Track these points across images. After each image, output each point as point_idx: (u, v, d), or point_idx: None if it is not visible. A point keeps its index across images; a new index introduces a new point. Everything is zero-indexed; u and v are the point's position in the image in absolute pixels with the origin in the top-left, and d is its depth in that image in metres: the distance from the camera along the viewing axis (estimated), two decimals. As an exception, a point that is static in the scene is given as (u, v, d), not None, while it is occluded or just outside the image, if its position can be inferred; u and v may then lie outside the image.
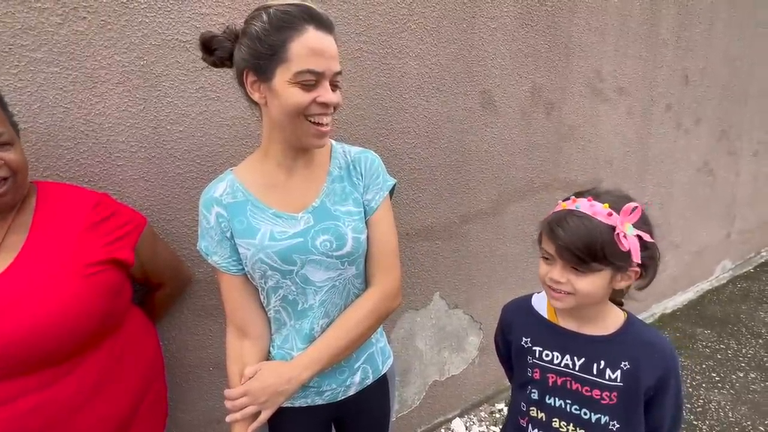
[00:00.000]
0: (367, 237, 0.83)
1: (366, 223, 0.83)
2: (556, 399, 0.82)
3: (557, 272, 0.75)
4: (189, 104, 1.09)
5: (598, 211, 0.73)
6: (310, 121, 0.72)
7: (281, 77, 0.69)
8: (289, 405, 0.84)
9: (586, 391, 0.79)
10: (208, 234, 0.80)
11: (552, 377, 0.82)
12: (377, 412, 0.94)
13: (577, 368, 0.80)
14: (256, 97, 0.73)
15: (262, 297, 0.82)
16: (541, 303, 0.89)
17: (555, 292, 0.77)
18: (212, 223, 0.78)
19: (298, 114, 0.71)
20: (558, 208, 0.80)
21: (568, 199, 0.80)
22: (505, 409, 1.95)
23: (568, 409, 0.81)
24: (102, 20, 0.96)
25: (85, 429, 0.75)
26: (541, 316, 0.87)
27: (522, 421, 0.87)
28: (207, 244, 0.81)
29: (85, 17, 0.95)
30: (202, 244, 0.82)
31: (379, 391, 0.92)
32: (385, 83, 1.39)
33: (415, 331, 1.69)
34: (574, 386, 0.80)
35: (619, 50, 2.01)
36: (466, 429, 1.84)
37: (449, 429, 1.84)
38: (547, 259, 0.78)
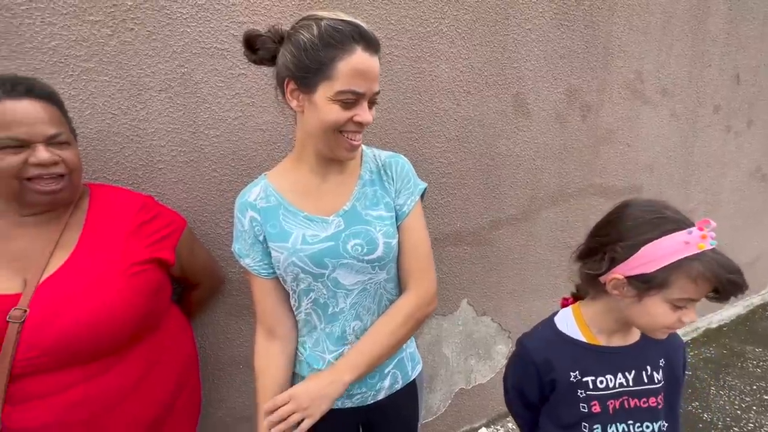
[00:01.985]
0: (399, 242, 0.82)
1: (398, 227, 0.83)
2: (618, 425, 0.76)
3: (695, 313, 0.69)
4: (225, 109, 1.13)
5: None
6: (344, 136, 0.73)
7: (323, 93, 0.70)
8: None
9: (644, 402, 0.76)
10: (241, 237, 0.82)
11: (612, 403, 0.76)
12: (405, 418, 0.93)
13: (631, 383, 0.76)
14: (293, 104, 0.74)
15: (293, 300, 0.83)
16: (570, 326, 0.81)
17: (674, 329, 0.71)
18: (246, 227, 0.80)
19: (334, 130, 0.72)
20: (694, 250, 0.66)
21: (665, 228, 0.69)
22: (535, 422, 1.89)
23: (631, 431, 0.76)
24: (148, 31, 1.01)
25: (127, 420, 0.79)
26: (580, 341, 0.79)
27: None
28: (240, 246, 0.83)
29: (132, 28, 1.00)
30: (236, 246, 0.84)
31: (407, 396, 0.91)
32: (416, 87, 1.38)
33: (442, 337, 1.66)
34: (632, 403, 0.76)
35: (663, 49, 1.92)
36: (493, 439, 1.80)
37: (475, 438, 1.80)
38: (679, 307, 0.68)
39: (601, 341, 0.79)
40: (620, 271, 0.71)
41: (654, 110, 1.97)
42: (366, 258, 0.78)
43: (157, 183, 1.09)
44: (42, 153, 0.72)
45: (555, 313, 0.86)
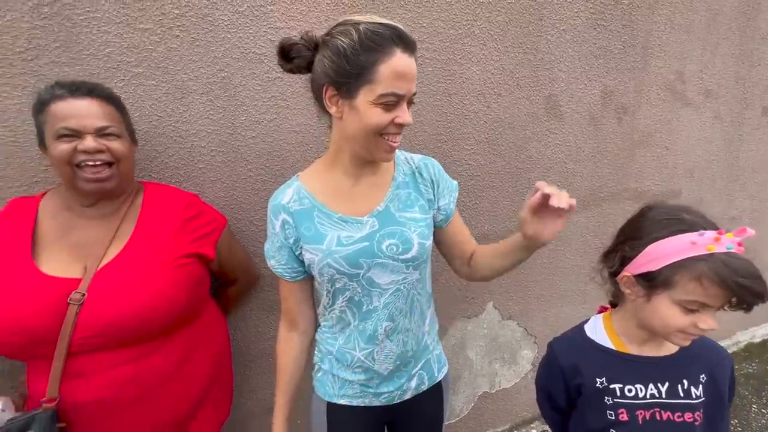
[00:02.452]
0: (453, 232, 0.88)
1: (448, 224, 0.88)
2: None
3: (713, 319, 0.67)
4: (262, 112, 1.17)
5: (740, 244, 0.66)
6: (384, 139, 0.74)
7: (364, 97, 0.70)
8: (347, 404, 0.88)
9: (678, 417, 0.73)
10: (271, 238, 0.85)
11: (641, 413, 0.75)
12: (430, 418, 0.94)
13: (663, 395, 0.74)
14: (333, 110, 0.75)
15: (327, 298, 0.85)
16: (599, 334, 0.81)
17: (690, 335, 0.70)
18: (277, 229, 0.83)
19: (376, 133, 0.73)
20: (701, 251, 0.65)
21: (679, 230, 0.68)
22: (560, 430, 1.86)
23: None
24: (192, 37, 1.07)
25: (169, 401, 0.85)
26: (608, 348, 0.79)
27: None
28: (269, 247, 0.86)
29: (178, 35, 1.06)
30: (266, 246, 0.88)
31: (433, 397, 0.93)
32: (446, 90, 1.38)
33: (466, 340, 1.66)
34: (665, 416, 0.74)
35: (707, 48, 1.83)
36: (517, 445, 1.78)
37: (498, 443, 1.79)
38: (692, 311, 0.67)
39: (631, 350, 0.78)
40: (629, 270, 0.73)
41: (696, 112, 1.88)
42: (401, 257, 0.79)
43: (197, 182, 1.14)
44: (89, 141, 0.80)
45: (586, 320, 0.86)
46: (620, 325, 0.80)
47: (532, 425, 1.86)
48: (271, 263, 0.86)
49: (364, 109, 0.71)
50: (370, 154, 0.77)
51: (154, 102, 1.07)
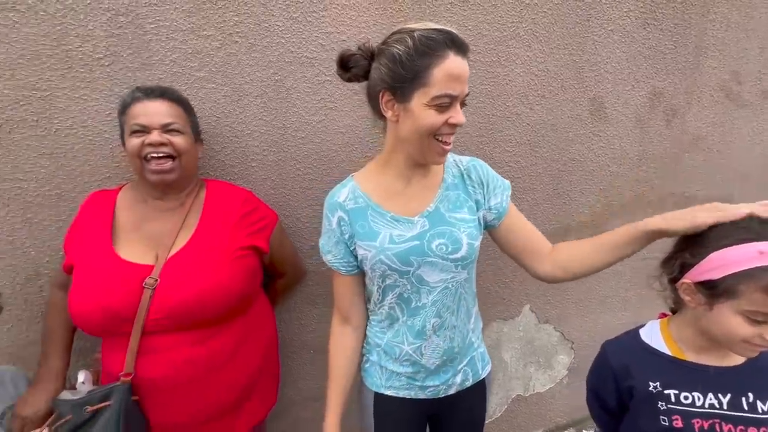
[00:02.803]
0: (513, 229, 0.88)
1: (501, 223, 0.88)
2: None
3: None
4: (311, 113, 1.22)
5: None
6: (437, 140, 0.76)
7: (419, 100, 0.73)
8: (394, 395, 0.91)
9: (741, 430, 0.71)
10: (327, 234, 0.89)
11: (698, 422, 0.73)
12: (472, 414, 0.96)
13: (725, 407, 0.72)
14: (389, 114, 0.78)
15: (377, 294, 0.89)
16: (655, 338, 0.80)
17: (757, 346, 0.68)
18: (333, 226, 0.86)
19: (430, 134, 0.75)
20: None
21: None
22: (595, 438, 1.82)
23: None
24: (249, 43, 1.13)
25: (222, 385, 0.91)
26: (665, 354, 0.78)
27: None
28: (325, 242, 0.90)
29: (237, 41, 1.12)
30: (321, 241, 0.92)
31: (476, 394, 0.95)
32: (489, 91, 1.39)
33: (502, 341, 1.66)
34: (726, 428, 0.72)
35: (767, 47, 1.73)
36: (550, 450, 1.76)
37: (531, 447, 1.78)
38: (759, 322, 0.66)
39: (689, 357, 0.76)
40: (690, 277, 0.71)
41: (753, 114, 1.79)
42: (450, 257, 0.82)
43: (250, 179, 1.21)
44: (154, 136, 0.88)
45: (642, 325, 0.85)
46: (679, 332, 0.78)
47: (566, 431, 1.84)
48: (327, 258, 0.90)
49: (419, 111, 0.73)
50: (423, 156, 0.79)
51: (214, 104, 1.13)
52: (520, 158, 1.49)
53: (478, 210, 0.87)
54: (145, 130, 0.88)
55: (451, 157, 0.91)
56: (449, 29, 0.75)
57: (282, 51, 1.16)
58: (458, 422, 0.96)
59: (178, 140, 0.91)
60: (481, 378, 0.95)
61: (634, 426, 0.80)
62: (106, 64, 1.04)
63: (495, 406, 1.71)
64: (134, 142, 0.88)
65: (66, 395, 0.84)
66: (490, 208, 0.87)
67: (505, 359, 1.68)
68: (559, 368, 1.78)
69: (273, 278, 1.17)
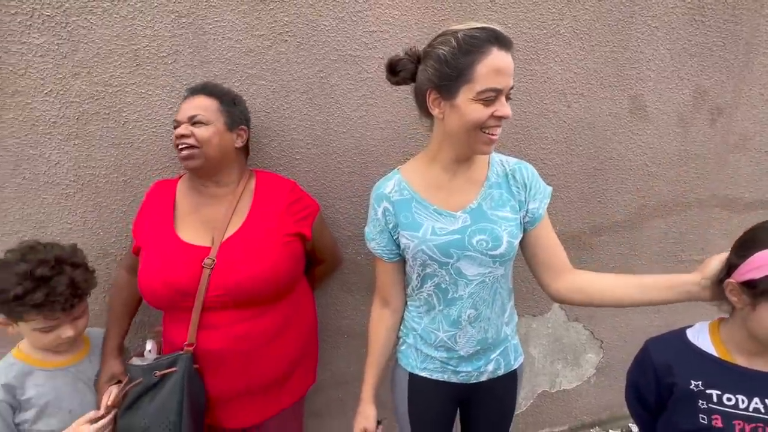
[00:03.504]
0: (538, 238, 0.90)
1: (534, 228, 0.90)
2: None
3: None
4: (353, 109, 1.28)
5: None
6: (484, 132, 0.79)
7: (465, 96, 0.76)
8: (428, 376, 0.96)
9: None
10: (373, 223, 0.94)
11: (739, 424, 0.74)
12: (503, 403, 1.00)
13: None
14: (435, 112, 0.82)
15: (416, 281, 0.94)
16: (702, 339, 0.81)
17: None
18: (379, 215, 0.92)
19: (477, 127, 0.78)
20: None
21: None
22: (622, 438, 1.81)
23: None
24: (298, 42, 1.19)
25: (271, 360, 0.99)
26: (710, 355, 0.78)
27: None
28: (369, 231, 0.96)
29: (286, 40, 1.19)
30: (366, 230, 0.97)
31: (508, 383, 0.99)
32: (526, 89, 1.40)
33: (530, 337, 1.68)
34: None
35: (825, 44, 1.65)
36: (575, 447, 1.77)
37: (555, 443, 1.79)
38: None
39: (738, 361, 0.77)
40: (734, 277, 0.73)
41: (805, 114, 1.71)
42: (490, 253, 0.86)
43: (293, 171, 1.28)
44: (179, 129, 0.97)
45: (690, 325, 0.85)
46: (728, 334, 0.79)
47: (591, 430, 1.84)
48: (372, 245, 0.95)
49: (465, 107, 0.77)
50: (470, 148, 0.82)
51: (263, 99, 1.21)
52: (556, 156, 1.49)
53: (519, 210, 0.90)
54: (178, 124, 0.99)
55: (497, 156, 0.94)
56: (492, 26, 0.78)
57: (327, 49, 1.22)
58: (488, 409, 1.00)
59: (200, 131, 0.97)
60: (513, 369, 0.99)
61: (671, 423, 0.81)
62: (169, 61, 1.13)
63: (521, 399, 1.74)
64: (173, 135, 1.00)
65: (136, 361, 0.94)
66: (527, 211, 0.90)
67: (533, 354, 1.69)
68: (587, 367, 1.78)
69: (312, 265, 1.25)
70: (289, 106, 1.23)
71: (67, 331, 0.91)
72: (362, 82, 1.26)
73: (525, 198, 0.90)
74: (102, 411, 0.93)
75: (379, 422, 1.01)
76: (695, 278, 0.79)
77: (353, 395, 1.50)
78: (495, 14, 1.31)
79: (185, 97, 1.04)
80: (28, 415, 0.91)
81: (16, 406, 0.91)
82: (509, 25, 1.32)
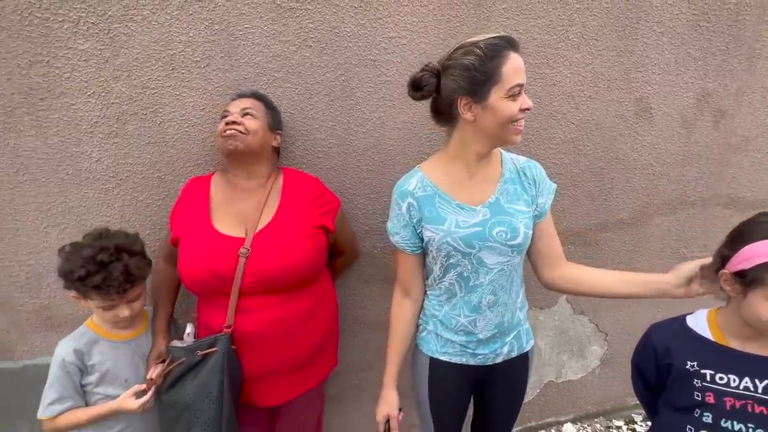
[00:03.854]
0: (541, 231, 0.99)
1: (539, 221, 0.99)
2: (735, 423, 0.80)
3: None
4: (372, 110, 1.35)
5: None
6: (514, 125, 0.89)
7: (496, 95, 0.86)
8: (448, 360, 1.04)
9: None
10: (396, 218, 1.01)
11: (729, 400, 0.81)
12: (515, 383, 1.08)
13: (759, 391, 0.79)
14: (468, 115, 0.89)
15: (439, 272, 1.01)
16: (699, 325, 0.88)
17: None
18: (403, 211, 0.99)
19: (510, 121, 0.87)
20: None
21: None
22: (625, 428, 1.88)
23: None
24: (321, 47, 1.27)
25: (299, 343, 1.07)
26: (707, 339, 0.85)
27: None
28: (393, 225, 1.03)
29: (311, 45, 1.26)
30: (389, 225, 1.04)
31: (520, 365, 1.07)
32: (536, 92, 1.47)
33: (537, 328, 1.75)
34: (758, 409, 0.79)
35: (826, 48, 1.70)
36: (579, 436, 1.84)
37: (560, 431, 1.86)
38: None
39: (733, 345, 0.83)
40: (728, 268, 0.80)
41: (807, 117, 1.76)
42: (509, 243, 0.94)
43: (315, 169, 1.35)
44: (231, 117, 1.07)
45: (690, 312, 0.92)
46: (724, 320, 0.86)
47: (595, 420, 1.91)
48: (395, 239, 1.02)
49: (498, 104, 0.86)
50: (502, 140, 0.92)
51: (289, 101, 1.28)
52: (564, 155, 1.56)
53: (531, 204, 0.99)
54: (228, 115, 1.09)
55: (507, 155, 1.02)
56: (505, 34, 0.89)
57: (349, 54, 1.29)
58: (502, 389, 1.07)
59: (249, 122, 1.08)
60: (525, 351, 1.07)
61: (670, 401, 0.89)
62: (202, 66, 1.21)
63: (528, 389, 1.80)
64: (221, 124, 1.09)
65: (176, 343, 1.02)
66: (537, 206, 0.99)
67: (540, 346, 1.77)
68: (591, 358, 1.85)
69: (333, 257, 1.32)
70: (312, 108, 1.31)
71: (123, 312, 1.02)
72: (381, 85, 1.33)
73: (535, 193, 0.99)
74: (144, 386, 1.02)
75: (399, 409, 1.07)
76: (669, 278, 0.92)
77: (368, 382, 1.60)
78: (507, 21, 1.37)
79: (233, 99, 1.15)
80: (92, 378, 1.04)
81: (83, 370, 1.04)
82: (521, 32, 1.39)
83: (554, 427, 1.87)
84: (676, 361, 0.86)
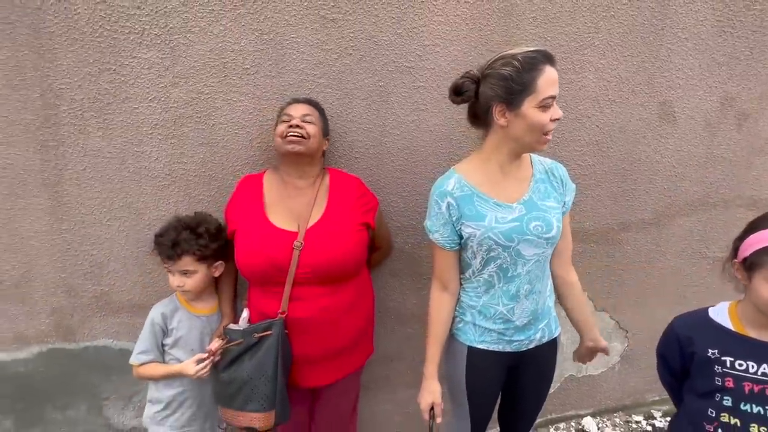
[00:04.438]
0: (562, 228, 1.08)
1: (563, 217, 1.08)
2: (754, 406, 0.86)
3: None
4: (406, 114, 1.43)
5: None
6: (544, 134, 0.96)
7: (528, 105, 0.93)
8: (485, 348, 1.11)
9: None
10: (435, 217, 1.08)
11: (748, 385, 0.87)
12: (545, 367, 1.17)
13: None
14: (502, 121, 0.97)
15: (478, 265, 1.07)
16: (721, 316, 0.95)
17: None
18: (443, 210, 1.05)
19: (540, 130, 0.95)
20: None
21: None
22: (644, 423, 1.93)
23: None
24: (360, 55, 1.35)
25: (343, 330, 1.17)
26: (727, 329, 0.92)
27: (709, 427, 0.91)
28: (432, 224, 1.09)
29: (351, 53, 1.35)
30: (428, 223, 1.11)
31: (549, 350, 1.16)
32: (562, 96, 1.49)
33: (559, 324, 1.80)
34: None
35: None
36: (599, 430, 1.89)
37: (580, 425, 1.92)
38: None
39: (751, 334, 0.90)
40: (737, 258, 0.89)
41: (832, 120, 1.78)
42: (544, 236, 1.02)
43: (353, 169, 1.44)
44: (294, 120, 1.15)
45: (713, 305, 0.99)
46: (743, 310, 0.92)
47: (615, 414, 1.96)
48: (435, 236, 1.09)
49: (530, 113, 0.94)
50: (531, 147, 1.00)
51: (329, 106, 1.37)
52: (588, 157, 1.62)
53: (560, 201, 1.08)
54: (290, 119, 1.16)
55: (535, 157, 1.10)
56: (541, 48, 0.96)
57: (386, 61, 1.37)
58: (533, 373, 1.16)
59: (309, 127, 1.17)
60: (554, 336, 1.16)
61: (692, 387, 0.96)
62: (252, 72, 1.31)
63: (548, 383, 1.87)
64: (281, 127, 1.17)
65: (233, 326, 1.14)
66: (564, 204, 1.08)
67: (561, 341, 1.81)
68: (612, 354, 1.90)
69: (369, 252, 1.41)
70: (351, 111, 1.40)
71: (174, 280, 1.18)
72: (415, 90, 1.42)
73: (562, 191, 1.08)
74: (205, 355, 1.15)
75: None
76: (588, 339, 1.23)
77: (398, 372, 1.68)
78: (536, 29, 1.44)
79: (290, 103, 1.24)
80: (169, 340, 1.23)
81: (165, 331, 1.23)
82: (548, 39, 1.46)
83: (574, 420, 1.93)
84: (698, 349, 0.93)
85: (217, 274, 1.24)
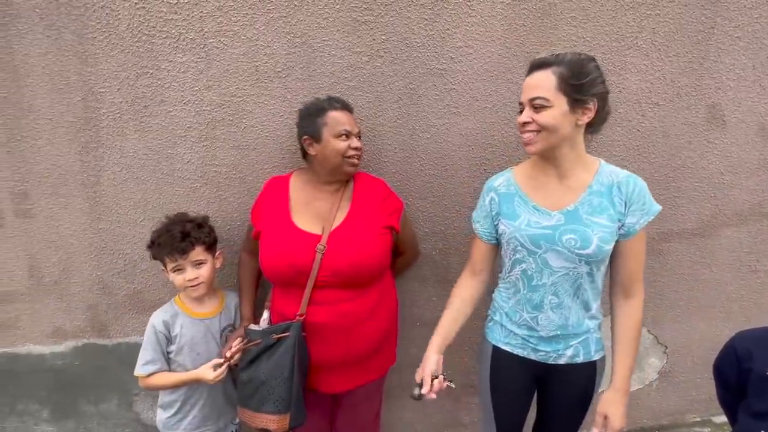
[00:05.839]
0: (626, 251, 0.99)
1: (627, 239, 0.98)
2: None
3: None
4: (437, 117, 1.40)
5: None
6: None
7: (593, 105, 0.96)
8: (510, 350, 1.08)
9: None
10: (480, 208, 1.12)
11: None
12: (579, 391, 1.09)
13: None
14: (584, 119, 0.97)
15: (509, 264, 1.06)
16: None
17: None
18: (486, 203, 1.09)
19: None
20: None
21: None
22: (683, 445, 1.82)
23: None
24: (392, 57, 1.33)
25: (366, 335, 1.14)
26: None
27: None
28: (477, 214, 1.13)
29: (382, 56, 1.33)
30: (474, 213, 1.14)
31: (585, 372, 1.08)
32: (601, 98, 1.46)
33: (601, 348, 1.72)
34: None
35: None
36: (633, 450, 1.80)
37: (613, 444, 1.82)
38: None
39: None
40: None
41: None
42: (577, 251, 0.96)
43: (381, 172, 1.42)
44: (356, 142, 1.15)
45: None
46: None
47: (651, 435, 1.86)
48: (476, 226, 1.12)
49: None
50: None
51: (359, 109, 1.36)
52: (627, 162, 1.54)
53: (617, 220, 0.96)
54: (349, 135, 1.14)
55: (608, 167, 1.02)
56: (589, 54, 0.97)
57: (417, 64, 1.35)
58: (564, 393, 1.10)
59: (358, 143, 1.16)
60: (592, 359, 1.07)
61: (747, 405, 0.91)
62: (283, 76, 1.31)
63: (579, 398, 1.79)
64: (342, 144, 1.12)
65: (253, 327, 1.14)
66: (624, 224, 0.97)
67: (605, 368, 1.73)
68: (649, 371, 1.80)
69: (394, 256, 1.39)
70: (381, 114, 1.38)
71: (190, 273, 1.17)
72: (446, 93, 1.38)
73: (624, 211, 0.96)
74: (222, 360, 1.15)
75: (450, 381, 1.04)
76: (608, 399, 1.04)
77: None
78: (575, 29, 1.38)
79: (335, 107, 1.17)
80: (173, 347, 1.22)
81: (169, 339, 1.21)
82: (587, 39, 1.39)
83: (607, 439, 1.83)
84: (756, 366, 0.88)
85: (218, 265, 1.26)
